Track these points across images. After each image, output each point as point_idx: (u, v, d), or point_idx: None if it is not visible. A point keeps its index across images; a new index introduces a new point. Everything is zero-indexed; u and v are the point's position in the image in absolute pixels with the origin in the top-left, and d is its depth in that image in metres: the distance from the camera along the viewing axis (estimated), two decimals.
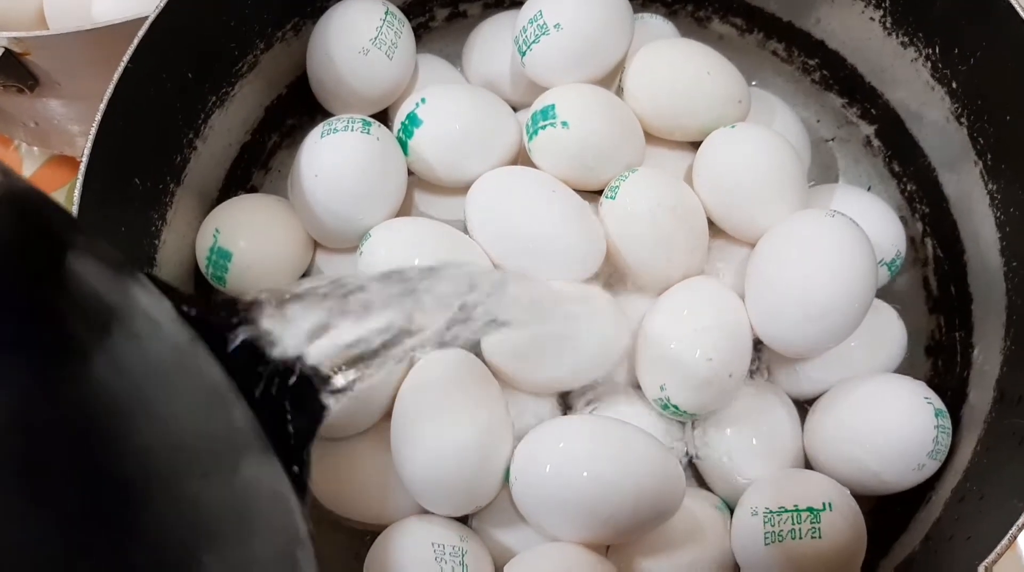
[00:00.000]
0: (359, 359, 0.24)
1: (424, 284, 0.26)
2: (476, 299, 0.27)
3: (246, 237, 0.38)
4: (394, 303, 0.25)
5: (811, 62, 0.45)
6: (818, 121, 0.46)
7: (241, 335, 0.22)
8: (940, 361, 0.40)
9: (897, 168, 0.43)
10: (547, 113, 0.37)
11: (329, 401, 0.23)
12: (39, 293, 0.15)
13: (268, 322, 0.22)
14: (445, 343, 0.27)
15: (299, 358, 0.22)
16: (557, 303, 0.35)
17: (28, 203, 0.17)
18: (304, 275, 0.40)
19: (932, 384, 0.37)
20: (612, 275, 0.39)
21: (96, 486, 0.14)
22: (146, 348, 0.18)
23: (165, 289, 0.20)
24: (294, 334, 0.22)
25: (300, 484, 0.21)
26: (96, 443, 0.14)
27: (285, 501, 0.20)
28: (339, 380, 0.23)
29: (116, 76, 0.33)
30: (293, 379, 0.22)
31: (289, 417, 0.22)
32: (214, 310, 0.22)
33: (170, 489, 0.16)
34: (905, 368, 0.39)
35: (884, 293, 0.40)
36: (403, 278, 0.25)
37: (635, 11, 0.41)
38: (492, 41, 0.44)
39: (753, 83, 0.45)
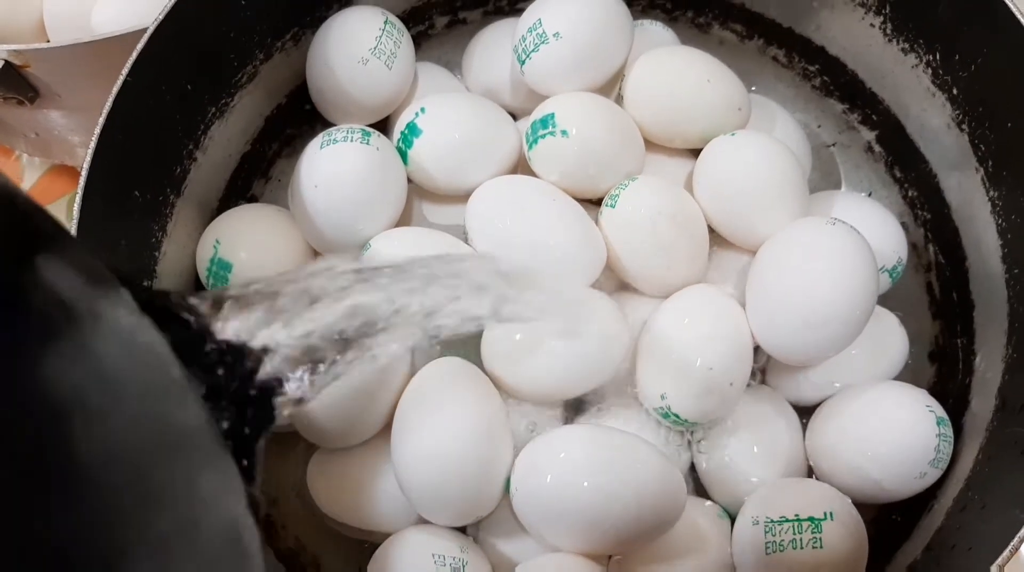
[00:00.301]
0: (319, 360, 0.24)
1: (402, 279, 0.26)
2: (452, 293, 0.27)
3: (247, 248, 0.38)
4: (360, 301, 0.25)
5: (811, 68, 0.45)
6: (819, 126, 0.46)
7: (201, 331, 0.22)
8: (943, 367, 0.40)
9: (899, 174, 0.43)
10: (547, 122, 0.37)
11: (284, 394, 0.23)
12: None
13: (228, 321, 0.23)
14: (425, 337, 0.27)
15: (255, 356, 0.23)
16: (558, 299, 0.34)
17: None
18: None
19: (935, 390, 0.37)
20: (612, 283, 0.39)
21: (26, 481, 0.14)
22: (105, 349, 0.18)
23: (127, 283, 0.20)
24: (250, 330, 0.23)
25: (249, 476, 0.22)
26: (35, 435, 0.14)
27: (236, 488, 0.21)
28: (293, 384, 0.23)
29: (115, 89, 0.33)
30: (247, 376, 0.22)
31: (246, 413, 0.22)
32: (177, 307, 0.22)
33: (111, 487, 0.16)
34: (909, 374, 0.39)
35: (888, 297, 0.40)
36: (380, 274, 0.26)
37: (635, 18, 0.41)
38: (492, 48, 0.44)
39: (752, 88, 0.45)
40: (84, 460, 0.15)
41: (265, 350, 0.23)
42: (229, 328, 0.22)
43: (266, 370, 0.22)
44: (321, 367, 0.23)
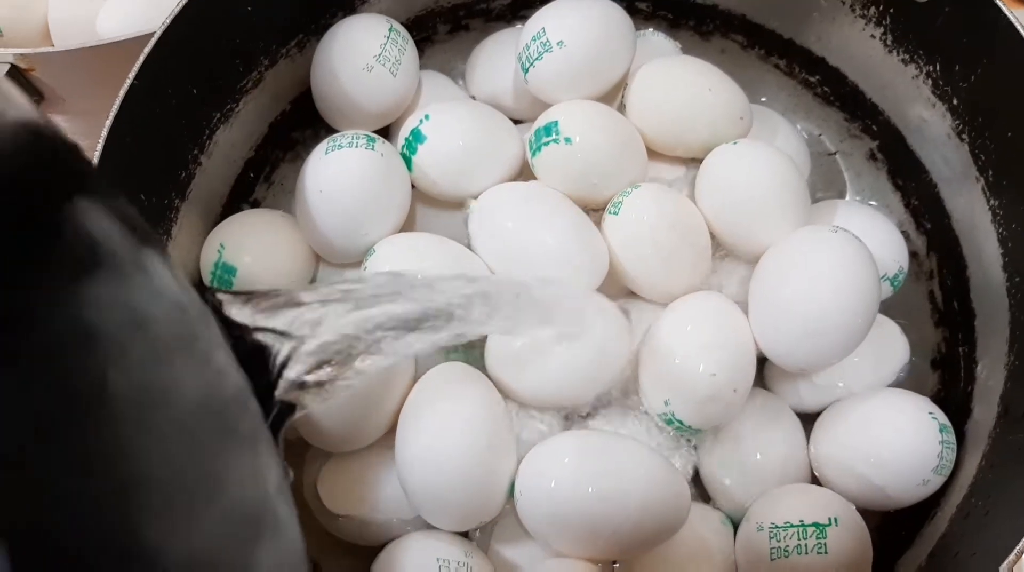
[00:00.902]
0: (336, 361, 0.24)
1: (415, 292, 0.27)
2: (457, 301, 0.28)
3: (251, 252, 0.38)
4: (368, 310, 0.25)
5: (812, 78, 0.45)
6: (820, 135, 0.46)
7: (232, 325, 0.23)
8: (945, 375, 0.40)
9: (900, 183, 0.44)
10: (550, 130, 0.38)
11: (304, 389, 0.24)
12: (31, 217, 0.15)
13: (256, 318, 0.23)
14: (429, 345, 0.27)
15: (279, 352, 0.24)
16: (561, 305, 0.34)
17: (46, 137, 0.17)
18: None
19: (937, 398, 0.37)
20: (615, 290, 0.39)
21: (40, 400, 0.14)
22: (147, 298, 0.18)
23: None
24: (275, 326, 0.23)
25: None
26: (52, 368, 0.14)
27: (274, 452, 0.22)
28: (311, 379, 0.24)
29: (122, 92, 0.33)
30: (273, 369, 0.23)
31: (270, 404, 0.23)
32: (210, 300, 0.23)
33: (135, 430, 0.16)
34: (912, 381, 0.39)
35: (891, 305, 0.40)
36: (399, 284, 0.26)
37: (637, 27, 0.41)
38: (495, 56, 0.45)
39: (762, 100, 0.46)
40: (121, 394, 0.15)
41: (288, 343, 0.23)
42: (256, 322, 0.23)
43: (288, 366, 0.23)
44: (336, 367, 0.24)
